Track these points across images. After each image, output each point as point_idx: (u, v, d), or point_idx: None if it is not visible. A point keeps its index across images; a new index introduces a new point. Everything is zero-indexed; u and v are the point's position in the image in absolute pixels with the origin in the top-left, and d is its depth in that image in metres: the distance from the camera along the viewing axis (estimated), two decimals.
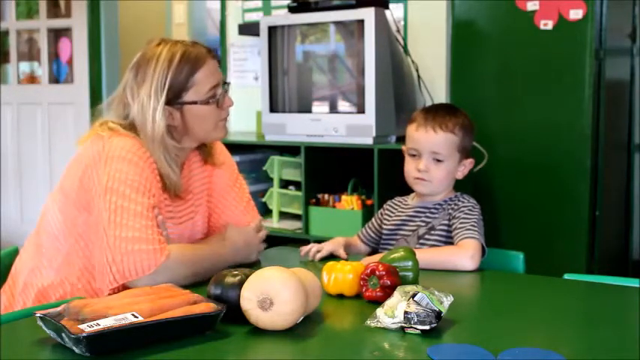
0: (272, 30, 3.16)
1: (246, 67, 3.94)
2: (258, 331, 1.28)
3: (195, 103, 1.74)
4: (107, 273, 1.58)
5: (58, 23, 5.00)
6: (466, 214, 1.90)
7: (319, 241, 1.99)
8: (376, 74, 2.88)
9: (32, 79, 5.21)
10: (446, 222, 1.94)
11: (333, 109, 3.16)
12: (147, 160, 1.68)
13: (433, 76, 3.25)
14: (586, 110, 2.58)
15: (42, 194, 4.80)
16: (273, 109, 3.20)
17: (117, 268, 1.57)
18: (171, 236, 1.73)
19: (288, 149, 3.33)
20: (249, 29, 3.68)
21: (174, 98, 1.72)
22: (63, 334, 1.18)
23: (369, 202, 3.09)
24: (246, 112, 3.80)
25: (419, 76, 3.23)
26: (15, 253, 1.86)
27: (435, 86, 3.24)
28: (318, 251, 1.89)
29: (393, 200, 2.10)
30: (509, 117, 2.75)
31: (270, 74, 3.18)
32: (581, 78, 2.59)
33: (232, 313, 1.30)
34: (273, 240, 2.31)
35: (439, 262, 1.78)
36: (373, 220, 2.11)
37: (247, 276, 1.32)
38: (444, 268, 1.77)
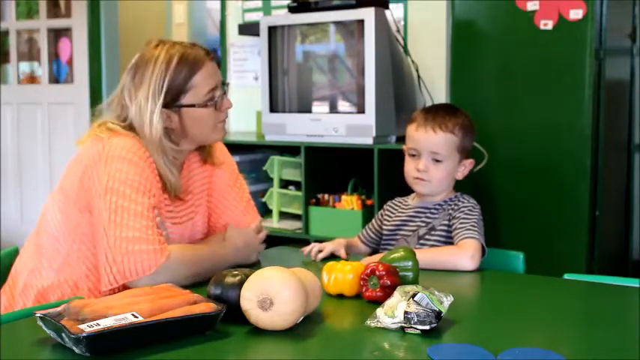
0: (272, 30, 3.16)
1: (246, 67, 3.94)
2: (258, 331, 1.28)
3: (193, 106, 1.73)
4: (107, 273, 1.58)
5: (58, 23, 5.00)
6: (466, 214, 1.90)
7: (319, 241, 1.99)
8: (376, 74, 2.88)
9: (32, 79, 5.21)
10: (446, 222, 1.94)
11: (333, 109, 3.16)
12: (147, 160, 1.68)
13: (433, 76, 3.25)
14: (586, 110, 2.59)
15: (42, 194, 4.80)
16: (273, 109, 3.20)
17: (117, 268, 1.57)
18: (172, 236, 1.73)
19: (288, 149, 3.33)
20: (249, 29, 3.68)
21: (172, 101, 1.72)
22: (63, 334, 1.18)
23: (369, 202, 3.09)
24: (246, 112, 3.80)
25: (419, 76, 3.23)
26: (15, 253, 1.86)
27: (435, 86, 3.24)
28: (320, 251, 1.89)
29: (393, 201, 2.11)
30: (509, 117, 2.75)
31: (270, 74, 3.18)
32: (581, 78, 2.59)
33: (232, 313, 1.30)
34: (273, 240, 2.31)
35: (439, 262, 1.78)
36: (373, 221, 2.11)
37: (247, 276, 1.32)
38: (444, 268, 1.77)
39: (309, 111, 3.16)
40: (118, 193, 1.61)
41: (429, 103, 3.15)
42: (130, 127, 1.72)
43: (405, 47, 3.26)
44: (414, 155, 1.98)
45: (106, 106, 1.79)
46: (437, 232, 1.95)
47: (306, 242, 2.32)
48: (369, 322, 1.32)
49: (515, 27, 2.71)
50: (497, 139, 2.71)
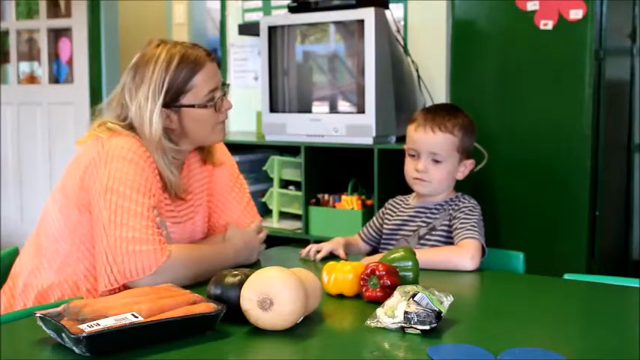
0: (272, 30, 3.16)
1: (246, 67, 3.94)
2: (258, 331, 1.28)
3: (192, 106, 1.73)
4: (108, 273, 1.58)
5: (58, 23, 5.00)
6: (467, 214, 1.90)
7: (319, 241, 1.99)
8: (376, 74, 2.88)
9: (32, 79, 5.21)
10: (447, 222, 1.94)
11: (333, 109, 3.16)
12: (147, 160, 1.67)
13: (433, 76, 3.26)
14: (586, 110, 2.58)
15: (42, 194, 4.79)
16: (273, 109, 3.20)
17: (117, 268, 1.57)
18: (172, 236, 1.73)
19: (288, 149, 3.33)
20: (249, 29, 3.68)
21: (171, 101, 1.72)
22: (63, 334, 1.18)
23: (369, 202, 3.09)
24: (246, 112, 3.80)
25: (419, 76, 3.23)
26: (15, 253, 1.86)
27: (435, 86, 3.24)
28: (318, 251, 1.89)
29: (394, 199, 2.10)
30: (509, 117, 2.75)
31: (270, 74, 3.18)
32: (581, 78, 2.59)
33: (232, 313, 1.30)
34: (273, 240, 2.31)
35: (439, 262, 1.78)
36: (374, 219, 2.11)
37: (247, 276, 1.32)
38: (444, 268, 1.77)
39: (309, 111, 3.16)
40: (118, 193, 1.61)
41: (429, 103, 3.15)
42: (130, 127, 1.71)
43: (405, 47, 3.26)
44: (413, 155, 1.98)
45: (105, 106, 1.79)
46: (437, 233, 1.95)
47: (306, 242, 2.32)
48: (369, 322, 1.32)
49: (515, 27, 2.71)
50: (497, 139, 2.71)
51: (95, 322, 1.18)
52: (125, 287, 1.57)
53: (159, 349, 1.20)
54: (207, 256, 1.71)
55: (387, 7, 3.03)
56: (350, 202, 3.09)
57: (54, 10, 5.04)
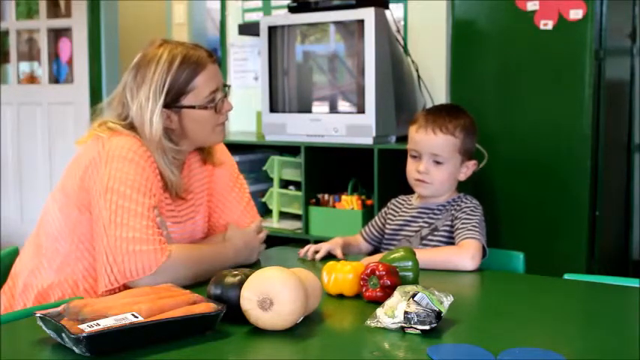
0: (272, 30, 3.16)
1: (246, 67, 3.94)
2: (258, 331, 1.28)
3: (193, 107, 1.73)
4: (108, 273, 1.58)
5: (58, 23, 5.00)
6: (468, 214, 1.90)
7: (319, 241, 1.99)
8: (376, 74, 2.88)
9: (32, 79, 5.21)
10: (449, 223, 1.94)
11: (333, 109, 3.16)
12: (147, 160, 1.67)
13: (433, 76, 3.26)
14: (586, 110, 2.59)
15: (42, 194, 4.79)
16: (273, 109, 3.20)
17: (118, 268, 1.57)
18: (172, 235, 1.73)
19: (288, 149, 3.33)
20: (249, 29, 3.68)
21: (172, 101, 1.72)
22: (63, 334, 1.18)
23: (369, 202, 3.09)
24: (246, 112, 3.80)
25: (419, 76, 3.24)
26: (15, 253, 1.86)
27: (435, 86, 3.24)
28: (316, 251, 1.89)
29: (397, 199, 2.10)
30: (509, 117, 2.75)
31: (270, 74, 3.18)
32: (581, 78, 2.59)
33: (232, 313, 1.30)
34: (273, 240, 2.31)
35: (440, 262, 1.78)
36: (377, 218, 2.10)
37: (247, 276, 1.32)
38: (445, 268, 1.77)
39: (309, 111, 3.16)
40: (118, 192, 1.61)
41: (429, 103, 3.15)
42: (131, 126, 1.72)
43: (405, 47, 3.26)
44: (415, 156, 1.98)
45: (106, 105, 1.79)
46: (439, 233, 1.94)
47: (306, 242, 2.32)
48: (369, 322, 1.32)
49: (515, 27, 2.71)
50: (497, 139, 2.71)
51: (95, 322, 1.18)
52: (125, 287, 1.57)
53: (159, 349, 1.19)
54: (208, 256, 1.71)
55: (387, 7, 3.03)
56: (350, 202, 3.09)
57: (54, 10, 5.04)
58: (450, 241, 1.92)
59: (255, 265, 1.82)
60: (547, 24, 2.63)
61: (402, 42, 3.22)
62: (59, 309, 1.24)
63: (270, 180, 3.37)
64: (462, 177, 2.01)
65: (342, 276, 1.51)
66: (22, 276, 1.74)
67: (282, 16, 3.23)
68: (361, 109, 2.95)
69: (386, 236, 2.04)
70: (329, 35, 3.19)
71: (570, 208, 2.64)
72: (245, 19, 3.88)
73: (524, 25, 2.66)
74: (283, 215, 3.35)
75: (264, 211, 3.34)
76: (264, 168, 3.36)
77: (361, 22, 2.91)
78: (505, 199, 2.76)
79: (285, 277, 1.29)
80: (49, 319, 1.20)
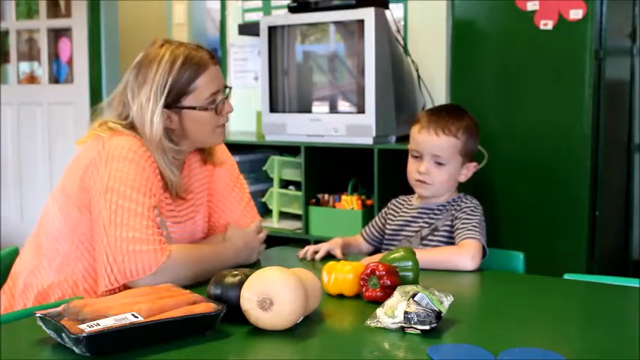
0: (272, 30, 3.16)
1: (246, 67, 3.94)
2: (258, 331, 1.28)
3: (194, 108, 1.73)
4: (108, 273, 1.58)
5: (58, 23, 5.00)
6: (468, 214, 1.90)
7: (319, 241, 1.99)
8: (376, 74, 2.88)
9: (32, 79, 5.20)
10: (449, 223, 1.93)
11: (333, 109, 3.16)
12: (148, 160, 1.67)
13: (433, 76, 3.26)
14: (586, 110, 2.59)
15: (42, 194, 4.79)
16: (273, 109, 3.20)
17: (118, 268, 1.57)
18: (172, 235, 1.73)
19: (288, 149, 3.33)
20: (249, 29, 3.68)
21: (173, 102, 1.72)
22: (63, 334, 1.18)
23: (369, 202, 3.09)
24: (246, 112, 3.80)
25: (419, 76, 3.24)
26: (15, 253, 1.86)
27: (435, 86, 3.24)
28: (316, 252, 1.89)
29: (397, 199, 2.10)
30: (509, 117, 2.75)
31: (270, 74, 3.18)
32: (581, 78, 2.59)
33: (232, 313, 1.30)
34: (273, 240, 2.31)
35: (439, 262, 1.78)
36: (377, 218, 2.10)
37: (247, 276, 1.32)
38: (445, 268, 1.77)
39: (309, 111, 3.16)
40: (118, 192, 1.61)
41: (429, 103, 3.15)
42: (131, 126, 1.72)
43: (405, 47, 3.26)
44: (416, 157, 1.98)
45: (107, 104, 1.79)
46: (440, 233, 1.94)
47: (306, 242, 2.32)
48: (369, 322, 1.32)
49: (515, 27, 2.71)
50: (497, 139, 2.71)
51: (95, 322, 1.18)
52: (125, 287, 1.57)
53: (159, 349, 1.20)
54: (208, 256, 1.71)
55: (387, 7, 3.03)
56: (350, 202, 3.09)
57: (54, 10, 5.04)
58: (450, 241, 1.92)
59: (255, 265, 1.82)
60: (547, 24, 2.63)
61: (402, 42, 3.22)
62: (59, 309, 1.24)
63: (270, 180, 3.37)
64: (463, 178, 2.01)
65: (342, 276, 1.51)
66: (22, 276, 1.74)
67: (282, 16, 3.23)
68: (361, 109, 2.95)
69: (386, 236, 2.04)
70: (329, 35, 3.19)
71: (570, 208, 2.64)
72: (245, 19, 3.88)
73: (524, 25, 2.66)
74: (283, 215, 3.36)
75: (264, 211, 3.34)
76: (264, 168, 3.36)
77: (361, 22, 2.91)
78: (505, 199, 2.76)
79: (285, 277, 1.29)
80: (49, 319, 1.20)
